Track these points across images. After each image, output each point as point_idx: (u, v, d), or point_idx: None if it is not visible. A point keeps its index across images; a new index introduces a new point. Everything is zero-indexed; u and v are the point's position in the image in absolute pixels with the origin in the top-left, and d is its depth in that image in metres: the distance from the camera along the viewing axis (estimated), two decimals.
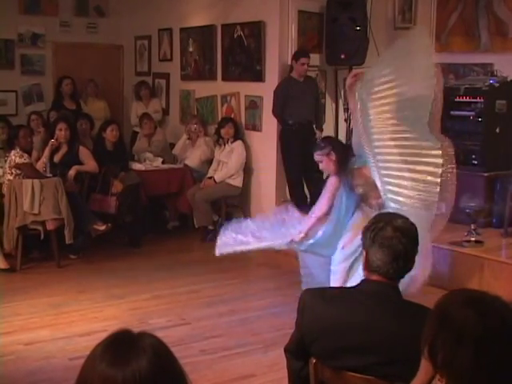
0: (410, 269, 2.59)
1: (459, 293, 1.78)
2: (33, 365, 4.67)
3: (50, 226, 6.86)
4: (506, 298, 2.21)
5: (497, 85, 6.99)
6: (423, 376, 1.78)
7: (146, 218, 8.09)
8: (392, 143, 4.83)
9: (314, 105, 7.98)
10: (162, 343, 1.60)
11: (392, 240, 2.53)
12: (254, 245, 5.39)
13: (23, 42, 9.86)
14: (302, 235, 5.24)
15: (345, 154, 5.28)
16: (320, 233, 5.18)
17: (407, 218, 2.67)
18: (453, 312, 1.69)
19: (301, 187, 7.86)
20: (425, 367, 1.77)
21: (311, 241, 5.24)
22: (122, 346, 1.55)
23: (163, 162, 8.58)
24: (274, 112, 7.84)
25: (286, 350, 2.74)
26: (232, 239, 5.42)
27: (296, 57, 7.72)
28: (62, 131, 7.40)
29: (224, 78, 8.76)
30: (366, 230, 2.62)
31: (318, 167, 7.96)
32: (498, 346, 1.63)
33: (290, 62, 7.84)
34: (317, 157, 5.41)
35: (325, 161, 5.34)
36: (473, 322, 1.65)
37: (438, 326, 1.71)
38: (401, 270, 2.55)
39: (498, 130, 7.05)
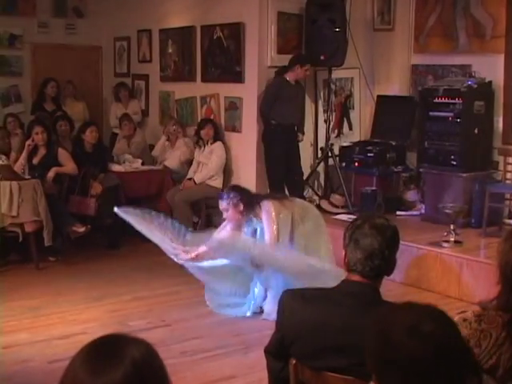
0: (388, 269, 2.55)
1: (400, 315, 1.73)
2: (11, 369, 4.61)
3: (29, 228, 6.81)
4: (483, 298, 2.22)
5: (475, 86, 7.05)
6: None
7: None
8: None
9: (301, 109, 8.02)
10: (147, 355, 1.51)
11: (367, 237, 2.50)
12: (150, 232, 5.59)
13: (0, 42, 9.76)
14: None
15: (251, 202, 5.41)
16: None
17: (387, 219, 2.65)
18: (391, 337, 1.66)
19: (282, 190, 7.83)
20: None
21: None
22: (102, 353, 1.50)
23: (143, 164, 8.55)
24: (262, 108, 7.79)
25: (266, 351, 2.73)
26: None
27: (301, 61, 7.68)
28: (38, 135, 7.33)
29: (203, 80, 8.75)
30: (346, 230, 2.59)
31: (301, 169, 8.02)
32: (430, 376, 1.62)
33: (285, 64, 7.72)
34: (223, 205, 5.46)
35: (231, 210, 5.40)
36: (408, 351, 1.62)
37: (376, 350, 1.71)
38: (377, 268, 2.50)
39: (476, 131, 7.10)
